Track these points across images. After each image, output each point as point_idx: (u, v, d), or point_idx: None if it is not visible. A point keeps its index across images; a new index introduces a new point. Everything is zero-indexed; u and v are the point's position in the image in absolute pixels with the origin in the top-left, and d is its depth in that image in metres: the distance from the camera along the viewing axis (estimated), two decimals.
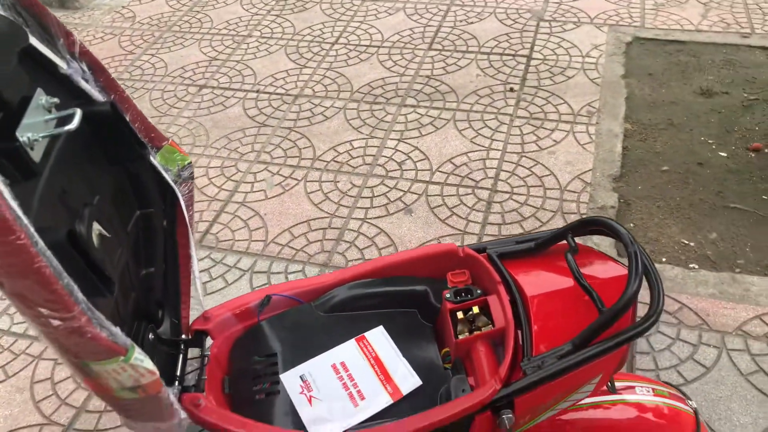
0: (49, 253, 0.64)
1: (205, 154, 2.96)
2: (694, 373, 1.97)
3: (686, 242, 2.40)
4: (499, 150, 2.83)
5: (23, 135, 0.69)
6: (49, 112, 0.76)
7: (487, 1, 3.91)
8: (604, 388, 1.25)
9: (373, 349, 1.12)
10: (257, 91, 3.31)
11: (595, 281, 1.01)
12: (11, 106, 0.69)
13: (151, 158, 0.96)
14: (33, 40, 0.76)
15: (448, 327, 1.09)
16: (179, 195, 1.00)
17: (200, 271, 2.42)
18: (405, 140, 2.93)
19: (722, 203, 2.53)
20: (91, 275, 0.74)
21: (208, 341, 1.11)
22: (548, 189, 2.62)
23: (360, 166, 2.82)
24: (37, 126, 0.72)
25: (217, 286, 2.36)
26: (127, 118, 0.89)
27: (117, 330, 0.71)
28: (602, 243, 2.29)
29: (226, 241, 2.54)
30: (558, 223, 2.47)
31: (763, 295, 2.18)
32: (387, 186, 2.71)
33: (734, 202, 2.53)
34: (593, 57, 3.34)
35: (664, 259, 2.34)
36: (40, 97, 0.74)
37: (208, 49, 3.68)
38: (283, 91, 3.30)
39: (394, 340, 1.14)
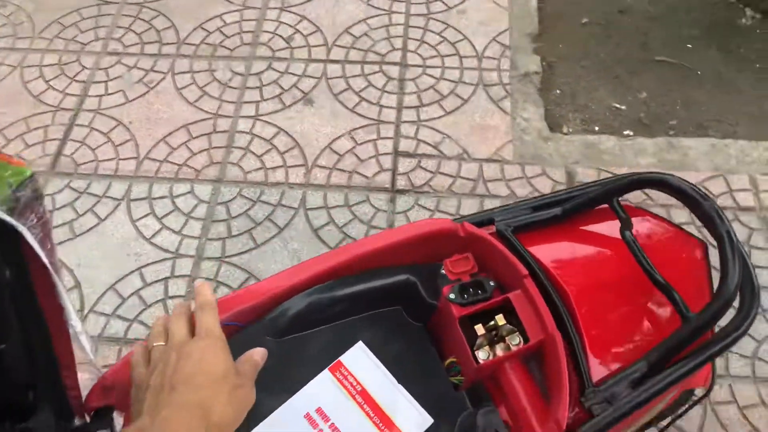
0: None
1: (34, 48, 2.30)
2: None
3: (617, 106, 2.19)
4: (402, 13, 2.41)
5: None
6: None
7: None
8: None
9: (355, 379, 0.81)
10: None
11: (662, 266, 0.74)
12: None
13: None
14: None
15: (456, 337, 0.80)
16: (22, 230, 0.59)
17: (59, 208, 1.93)
18: (288, 9, 2.42)
19: (648, 56, 2.32)
20: None
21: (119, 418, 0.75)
22: (464, 57, 2.28)
23: (238, 47, 2.31)
24: None
25: (87, 223, 1.90)
26: None
27: None
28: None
29: (86, 163, 2.03)
30: (480, 98, 2.17)
31: (700, 159, 2.06)
32: (276, 71, 2.24)
33: (660, 54, 2.33)
34: None
35: (597, 128, 2.14)
36: None
37: None
38: None
39: (380, 355, 0.83)
